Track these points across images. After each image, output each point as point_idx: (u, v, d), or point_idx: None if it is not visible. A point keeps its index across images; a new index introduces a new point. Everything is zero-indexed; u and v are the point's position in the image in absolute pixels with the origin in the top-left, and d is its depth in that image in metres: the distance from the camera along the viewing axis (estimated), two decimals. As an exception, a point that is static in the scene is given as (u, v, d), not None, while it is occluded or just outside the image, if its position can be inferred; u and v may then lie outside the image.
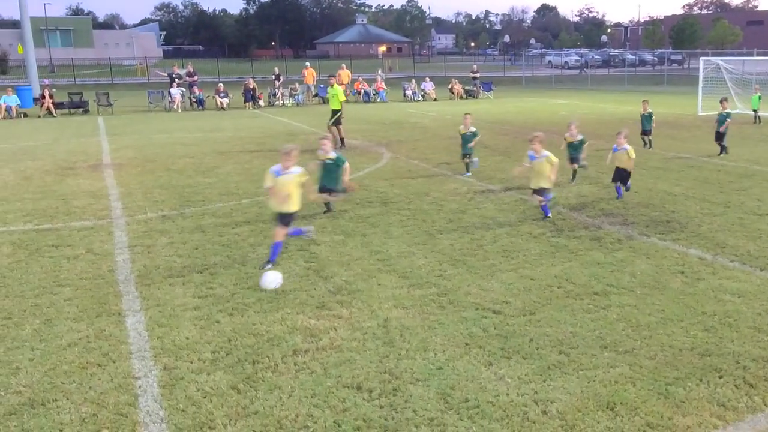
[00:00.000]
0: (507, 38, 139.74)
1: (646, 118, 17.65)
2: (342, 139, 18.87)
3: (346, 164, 10.61)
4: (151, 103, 33.03)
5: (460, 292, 7.25)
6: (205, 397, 5.12)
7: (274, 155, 17.23)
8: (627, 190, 11.68)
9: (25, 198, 12.41)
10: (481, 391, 5.11)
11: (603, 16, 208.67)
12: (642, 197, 11.76)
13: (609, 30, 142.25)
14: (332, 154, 10.62)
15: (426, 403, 4.97)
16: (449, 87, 39.44)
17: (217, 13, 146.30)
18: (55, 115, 29.88)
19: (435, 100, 37.47)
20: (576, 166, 13.12)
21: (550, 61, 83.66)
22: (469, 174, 14.02)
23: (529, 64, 67.53)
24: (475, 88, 40.31)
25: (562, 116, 27.59)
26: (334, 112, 18.99)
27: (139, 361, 5.75)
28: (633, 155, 11.37)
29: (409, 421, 4.74)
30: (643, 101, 18.12)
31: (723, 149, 16.48)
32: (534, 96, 41.74)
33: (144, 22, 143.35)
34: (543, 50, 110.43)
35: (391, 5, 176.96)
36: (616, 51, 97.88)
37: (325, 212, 10.85)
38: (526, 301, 6.93)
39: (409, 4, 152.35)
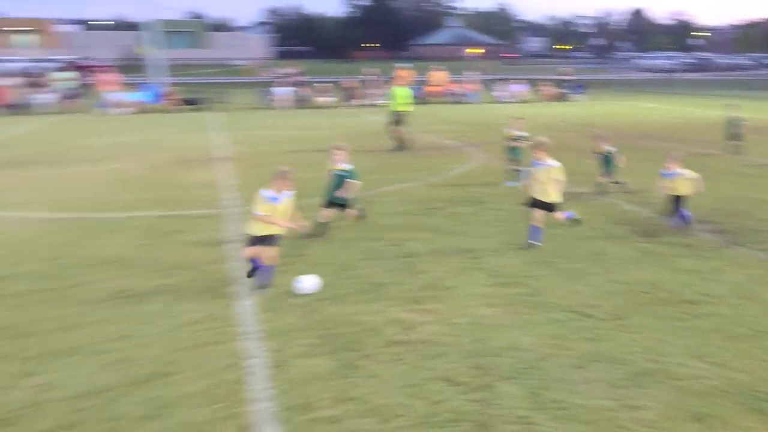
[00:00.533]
0: (598, 41, 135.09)
1: (732, 123, 16.53)
2: (404, 141, 17.60)
3: (356, 180, 9.32)
4: (264, 100, 33.97)
5: (549, 293, 7.09)
6: (308, 380, 5.24)
7: (370, 154, 17.42)
8: (686, 220, 9.37)
9: (152, 187, 13.06)
10: (569, 393, 4.98)
11: (695, 19, 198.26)
12: (734, 205, 11.10)
13: (701, 33, 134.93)
14: (344, 166, 9.29)
15: (516, 401, 4.89)
16: (539, 89, 38.56)
17: (320, 16, 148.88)
18: (176, 111, 31.24)
19: (525, 102, 36.72)
20: (607, 180, 11.80)
21: (640, 65, 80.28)
22: (514, 184, 12.08)
23: (620, 67, 65.02)
24: (565, 91, 39.22)
25: (654, 120, 26.45)
26: (397, 114, 17.78)
27: (249, 342, 5.95)
28: (694, 176, 9.28)
29: (499, 417, 4.68)
30: (727, 105, 17.04)
31: None
32: (624, 99, 40.16)
33: (256, 25, 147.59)
34: (633, 53, 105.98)
35: (483, 8, 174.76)
36: (708, 54, 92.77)
37: (310, 236, 8.90)
38: (616, 306, 6.69)
39: (500, 8, 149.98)
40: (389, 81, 37.30)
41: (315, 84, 35.48)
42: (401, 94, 18.11)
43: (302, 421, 4.71)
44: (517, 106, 34.79)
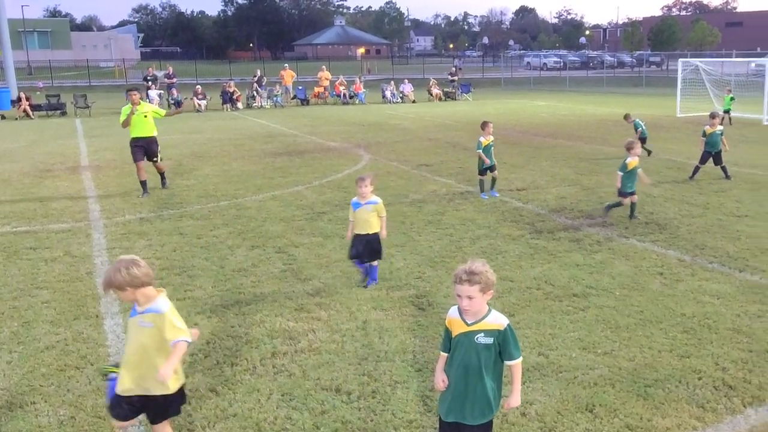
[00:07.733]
0: (486, 40, 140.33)
1: (716, 138, 13.56)
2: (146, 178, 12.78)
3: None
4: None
5: (439, 294, 7.26)
6: (183, 401, 5.07)
7: (253, 158, 17.20)
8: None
9: (3, 200, 12.24)
10: (461, 393, 5.11)
11: (581, 17, 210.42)
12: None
13: (588, 32, 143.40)
14: None
15: (405, 405, 4.96)
16: (428, 89, 39.55)
17: (195, 15, 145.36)
18: (32, 117, 29.48)
19: (414, 101, 37.50)
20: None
21: (528, 63, 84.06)
22: (498, 194, 12.14)
23: (508, 66, 67.69)
24: (453, 90, 40.43)
25: (543, 117, 27.77)
26: (145, 141, 12.77)
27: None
28: (383, 213, 7.43)
29: (388, 423, 4.73)
30: (713, 114, 14.11)
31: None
32: (513, 97, 41.94)
33: (122, 23, 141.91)
34: (522, 52, 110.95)
35: (370, 7, 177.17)
36: (595, 53, 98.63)
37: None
38: (506, 303, 6.94)
39: (388, 6, 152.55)
40: (274, 83, 37.17)
41: (198, 85, 34.67)
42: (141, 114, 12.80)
43: (176, 445, 4.55)
44: (407, 106, 35.50)
